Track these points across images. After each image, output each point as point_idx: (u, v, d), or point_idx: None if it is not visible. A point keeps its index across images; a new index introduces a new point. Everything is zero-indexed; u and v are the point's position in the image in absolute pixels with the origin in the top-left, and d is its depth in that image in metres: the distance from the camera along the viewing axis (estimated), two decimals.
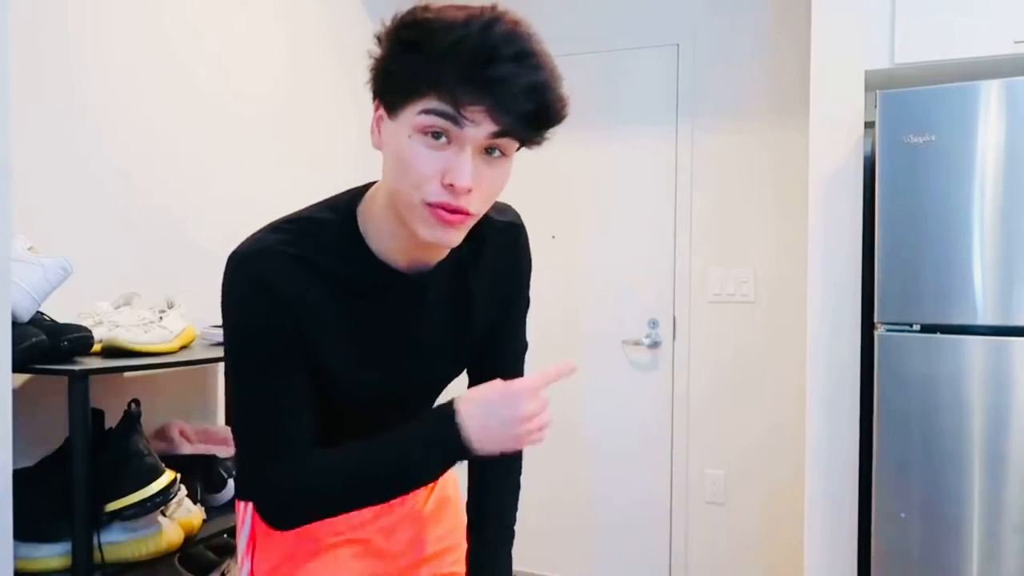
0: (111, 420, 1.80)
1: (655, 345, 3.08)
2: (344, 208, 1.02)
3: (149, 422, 1.98)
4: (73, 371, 1.42)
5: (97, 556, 1.47)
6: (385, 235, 0.99)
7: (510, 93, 0.85)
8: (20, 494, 1.42)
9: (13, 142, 1.39)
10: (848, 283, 2.27)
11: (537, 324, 3.56)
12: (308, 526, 1.03)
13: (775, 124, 2.92)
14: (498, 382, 0.96)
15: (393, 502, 1.15)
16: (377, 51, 0.91)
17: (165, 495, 1.51)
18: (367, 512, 1.14)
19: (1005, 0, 2.09)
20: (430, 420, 0.96)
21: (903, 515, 2.04)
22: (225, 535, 2.03)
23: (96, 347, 1.63)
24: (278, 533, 1.07)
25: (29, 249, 1.51)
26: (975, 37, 2.11)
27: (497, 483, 1.21)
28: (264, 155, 2.44)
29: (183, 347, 1.80)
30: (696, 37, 3.02)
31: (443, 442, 0.94)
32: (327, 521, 1.06)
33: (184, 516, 1.64)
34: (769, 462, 2.95)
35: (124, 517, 1.48)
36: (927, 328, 2.04)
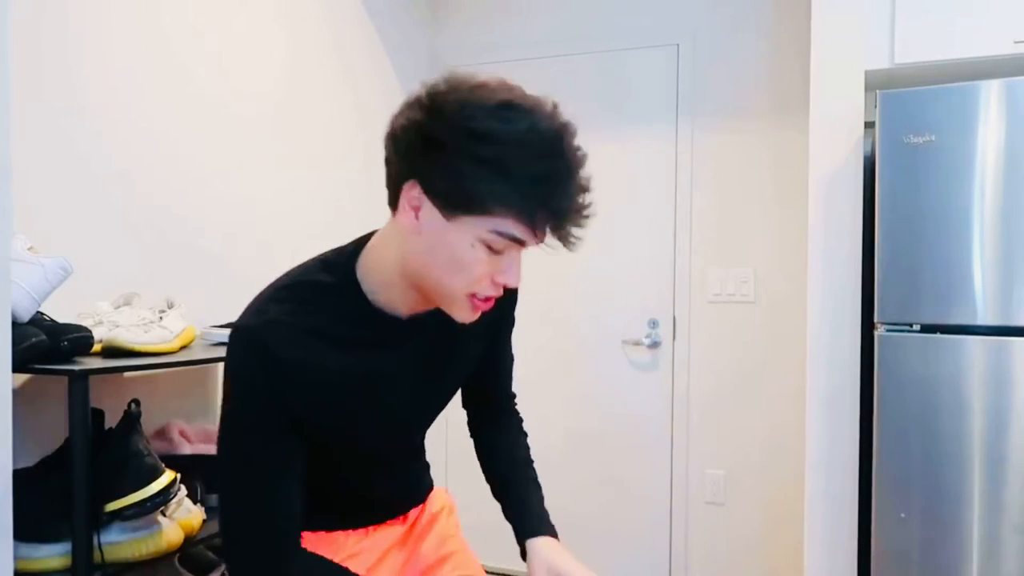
0: (111, 420, 1.80)
1: (655, 345, 3.08)
2: (342, 269, 1.04)
3: (149, 422, 1.98)
4: (73, 371, 1.42)
5: (97, 556, 1.46)
6: (394, 292, 1.02)
7: (576, 216, 0.92)
8: (20, 494, 1.41)
9: (13, 142, 1.39)
10: (848, 283, 2.27)
11: (537, 324, 3.58)
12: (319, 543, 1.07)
13: (775, 124, 2.92)
14: None
15: (375, 529, 1.20)
16: (434, 134, 0.91)
17: (165, 495, 1.51)
18: (351, 542, 1.17)
19: (1005, 0, 2.09)
20: None
21: (903, 515, 2.04)
22: None
23: (96, 347, 1.63)
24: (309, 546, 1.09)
25: (29, 249, 1.50)
26: (975, 37, 2.11)
27: (508, 441, 1.31)
28: (264, 155, 2.44)
29: (183, 347, 1.80)
30: (696, 37, 3.02)
31: None
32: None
33: (184, 516, 1.64)
34: (769, 462, 2.95)
35: (124, 517, 1.48)
36: (927, 328, 2.04)
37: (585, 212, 0.92)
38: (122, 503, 1.47)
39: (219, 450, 0.99)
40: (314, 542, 1.13)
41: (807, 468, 2.30)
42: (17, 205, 1.68)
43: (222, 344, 1.90)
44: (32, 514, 1.46)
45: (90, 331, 1.56)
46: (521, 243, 0.92)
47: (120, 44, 1.95)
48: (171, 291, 2.09)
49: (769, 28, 2.92)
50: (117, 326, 1.66)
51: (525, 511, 1.22)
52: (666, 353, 3.08)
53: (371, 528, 1.21)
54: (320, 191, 2.70)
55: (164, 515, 1.59)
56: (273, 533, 0.98)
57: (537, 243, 0.92)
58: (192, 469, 1.82)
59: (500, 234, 0.90)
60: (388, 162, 1.01)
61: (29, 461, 1.67)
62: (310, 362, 0.97)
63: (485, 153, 0.87)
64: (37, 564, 1.46)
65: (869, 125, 2.28)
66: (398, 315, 1.04)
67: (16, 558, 1.45)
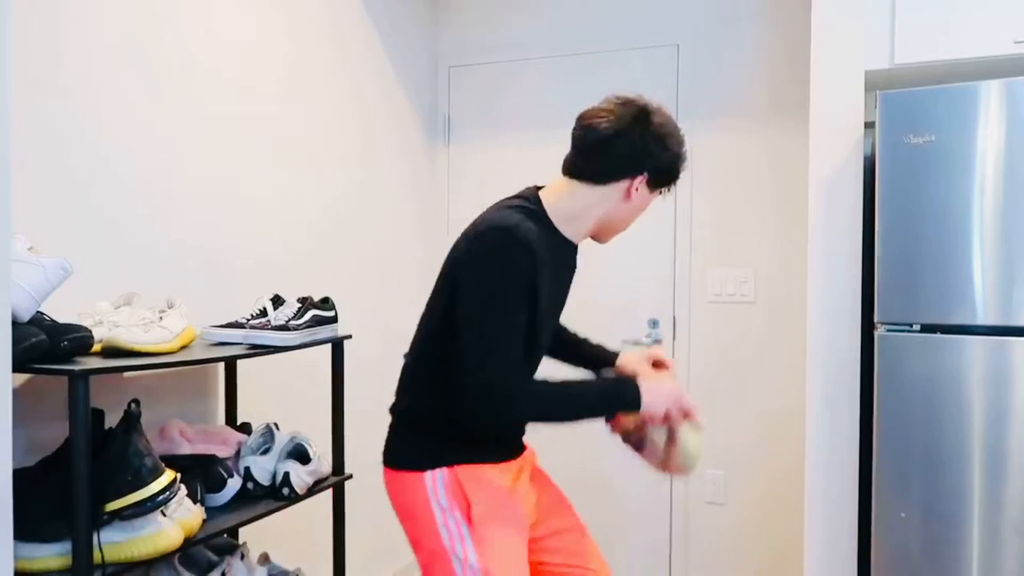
0: (111, 420, 1.80)
1: (655, 345, 3.08)
2: (535, 206, 1.54)
3: (149, 422, 1.98)
4: (73, 371, 1.42)
5: (97, 556, 1.46)
6: (575, 226, 1.57)
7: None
8: (20, 494, 1.42)
9: (13, 142, 1.39)
10: (848, 283, 2.27)
11: None
12: (489, 476, 1.51)
13: (775, 124, 2.92)
14: (667, 375, 1.69)
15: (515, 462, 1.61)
16: (657, 150, 1.53)
17: (165, 495, 1.51)
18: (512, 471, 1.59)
19: (1005, 0, 2.09)
20: (620, 382, 1.54)
21: (903, 515, 2.04)
22: (225, 535, 2.04)
23: (96, 347, 1.63)
24: (483, 481, 1.50)
25: (29, 249, 1.50)
26: (975, 37, 2.11)
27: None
28: (264, 155, 2.44)
29: (183, 347, 1.80)
30: (696, 37, 3.02)
31: (625, 394, 1.50)
32: (501, 472, 1.54)
33: (184, 516, 1.64)
34: (769, 462, 2.95)
35: (124, 517, 1.48)
36: (927, 328, 2.04)
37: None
38: (122, 503, 1.47)
39: (474, 314, 1.42)
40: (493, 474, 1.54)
41: (807, 468, 2.30)
42: (17, 205, 1.69)
43: (222, 344, 1.91)
44: (32, 514, 1.46)
45: (90, 331, 1.56)
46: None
47: (120, 44, 1.95)
48: (171, 291, 2.09)
49: (769, 28, 2.93)
50: (117, 326, 1.66)
51: (604, 349, 1.81)
52: (666, 353, 3.08)
53: (511, 461, 1.60)
54: (320, 191, 2.70)
55: (164, 515, 1.59)
56: (517, 365, 1.42)
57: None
58: (192, 469, 1.82)
59: (664, 192, 1.62)
60: (621, 162, 1.52)
61: (29, 461, 1.68)
62: (543, 254, 1.44)
63: (679, 156, 1.57)
64: (37, 564, 1.46)
65: (869, 125, 2.28)
66: (571, 240, 1.58)
67: (16, 558, 1.45)
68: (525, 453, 1.66)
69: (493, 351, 1.39)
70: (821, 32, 2.30)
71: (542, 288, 1.46)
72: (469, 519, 1.47)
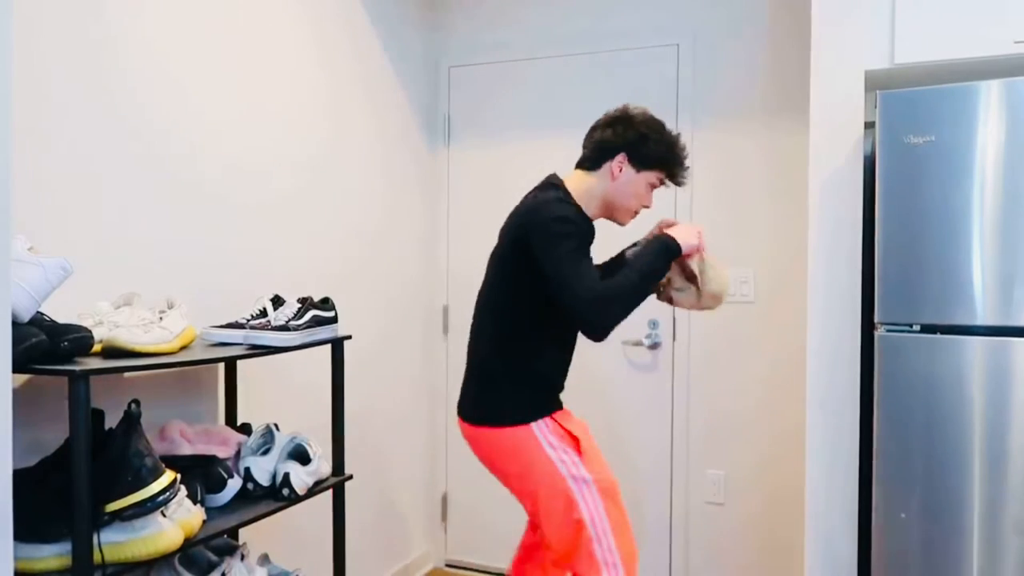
0: (111, 420, 1.80)
1: (655, 346, 3.08)
2: (562, 189, 1.96)
3: (149, 422, 1.98)
4: (73, 371, 1.42)
5: (97, 556, 1.46)
6: (593, 207, 2.00)
7: (685, 172, 2.03)
8: (20, 494, 1.41)
9: (14, 142, 1.39)
10: (848, 283, 2.27)
11: None
12: (567, 417, 1.98)
13: (775, 124, 2.92)
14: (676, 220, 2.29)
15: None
16: (632, 137, 1.96)
17: (165, 495, 1.51)
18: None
19: (1005, 0, 2.09)
20: (655, 239, 1.94)
21: (903, 515, 2.04)
22: (225, 535, 2.04)
23: (96, 347, 1.63)
24: (570, 421, 1.97)
25: (29, 249, 1.50)
26: (975, 37, 2.11)
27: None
28: (264, 156, 2.44)
29: (183, 347, 1.80)
30: (696, 37, 3.02)
31: (666, 243, 1.91)
32: (567, 418, 1.98)
33: (184, 516, 1.64)
34: (769, 462, 2.95)
35: (124, 517, 1.48)
36: (927, 328, 2.04)
37: (688, 171, 2.02)
38: (122, 503, 1.47)
39: (553, 254, 1.80)
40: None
41: (807, 468, 2.30)
42: (17, 205, 1.69)
43: (222, 344, 1.91)
44: (32, 514, 1.46)
45: (90, 331, 1.56)
46: (663, 184, 2.02)
47: (120, 44, 1.95)
48: (171, 291, 2.09)
49: (769, 28, 2.93)
50: (117, 326, 1.66)
51: (623, 254, 2.18)
52: (666, 353, 3.08)
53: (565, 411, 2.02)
54: (320, 192, 2.70)
55: (164, 516, 1.59)
56: (596, 279, 1.79)
57: (668, 185, 2.04)
58: (192, 469, 1.82)
59: (661, 181, 2.01)
60: (603, 146, 1.98)
61: (29, 461, 1.68)
62: (582, 215, 1.92)
63: (660, 142, 1.97)
64: (37, 564, 1.46)
65: (869, 125, 2.28)
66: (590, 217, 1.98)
67: (16, 558, 1.45)
68: None
69: (578, 274, 1.77)
70: (821, 32, 2.30)
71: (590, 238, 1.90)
72: (579, 450, 1.92)
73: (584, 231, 1.85)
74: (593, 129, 2.03)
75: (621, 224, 2.06)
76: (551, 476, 1.89)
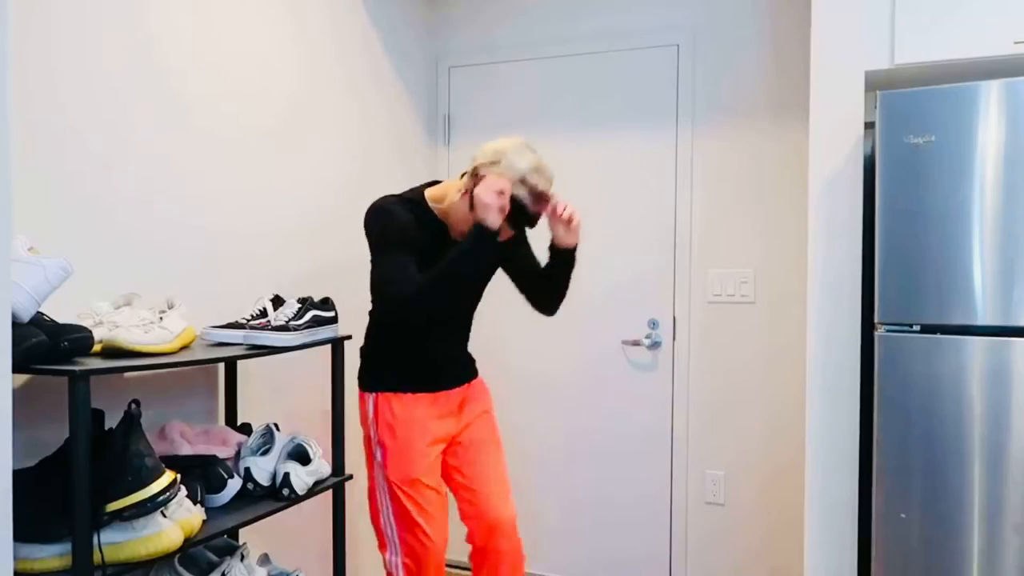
0: (111, 420, 1.80)
1: (655, 346, 3.08)
2: (419, 198, 2.10)
3: (149, 422, 1.98)
4: (73, 371, 1.42)
5: (97, 556, 1.46)
6: (453, 217, 2.07)
7: (542, 200, 2.07)
8: (20, 494, 1.42)
9: (14, 142, 1.39)
10: (848, 283, 2.27)
11: (538, 325, 3.57)
12: (397, 410, 2.11)
13: (775, 124, 2.92)
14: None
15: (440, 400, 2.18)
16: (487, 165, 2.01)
17: (165, 495, 1.51)
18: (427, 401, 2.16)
19: (1005, 0, 2.09)
20: (472, 228, 1.96)
21: (903, 515, 2.04)
22: (225, 536, 2.04)
23: (96, 347, 1.63)
24: (390, 414, 2.11)
25: (29, 250, 1.50)
26: (975, 37, 2.11)
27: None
28: (264, 156, 2.44)
29: (183, 347, 1.80)
30: (696, 37, 3.02)
31: (479, 229, 1.93)
32: (411, 403, 2.13)
33: (184, 516, 1.64)
34: (769, 462, 2.95)
35: (124, 517, 1.48)
36: (927, 328, 2.04)
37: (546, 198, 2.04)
38: (122, 503, 1.47)
39: (377, 260, 1.99)
40: (407, 403, 2.13)
41: (807, 468, 2.30)
42: (17, 205, 1.69)
43: (222, 344, 1.90)
44: (32, 514, 1.46)
45: (90, 331, 1.56)
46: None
47: (120, 45, 1.95)
48: (171, 291, 2.09)
49: (769, 28, 2.93)
50: (117, 326, 1.66)
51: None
52: (666, 353, 3.08)
53: (439, 393, 2.17)
54: (320, 192, 2.70)
55: (164, 516, 1.59)
56: (414, 276, 1.93)
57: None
58: (192, 469, 1.82)
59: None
60: (471, 172, 2.02)
61: (29, 461, 1.68)
62: (413, 224, 2.04)
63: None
64: (37, 564, 1.46)
65: (869, 125, 2.28)
66: (444, 223, 2.10)
67: (16, 558, 1.45)
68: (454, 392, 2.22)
69: (394, 273, 1.94)
70: (821, 32, 2.30)
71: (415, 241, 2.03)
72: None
73: (404, 226, 2.04)
74: None
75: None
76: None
